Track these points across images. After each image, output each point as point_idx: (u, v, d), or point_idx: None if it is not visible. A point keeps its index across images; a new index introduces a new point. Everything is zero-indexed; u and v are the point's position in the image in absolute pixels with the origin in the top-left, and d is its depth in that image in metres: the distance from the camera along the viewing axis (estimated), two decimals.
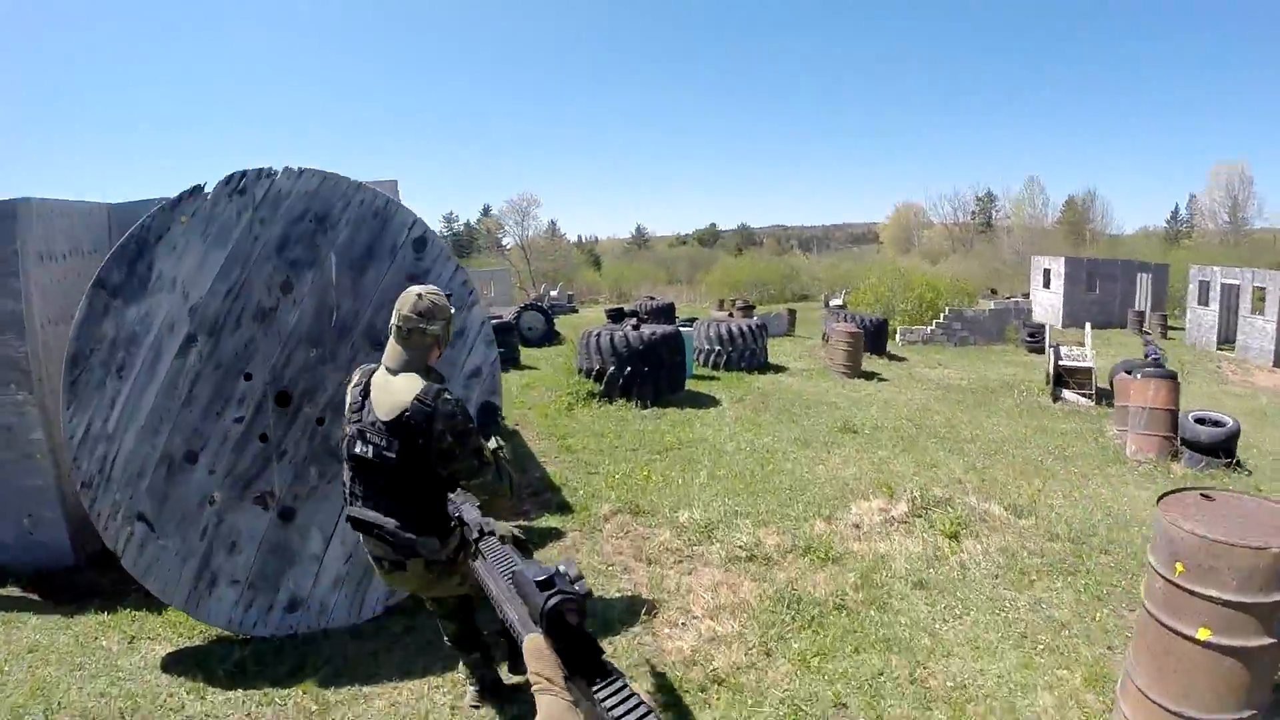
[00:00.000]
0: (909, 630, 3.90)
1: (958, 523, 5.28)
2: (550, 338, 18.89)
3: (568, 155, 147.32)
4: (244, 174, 3.78)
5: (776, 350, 16.61)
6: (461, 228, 69.03)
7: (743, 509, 5.67)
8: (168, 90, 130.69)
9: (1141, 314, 27.84)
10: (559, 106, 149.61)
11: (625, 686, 1.58)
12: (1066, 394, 11.67)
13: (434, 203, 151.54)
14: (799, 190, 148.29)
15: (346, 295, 3.84)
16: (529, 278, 51.29)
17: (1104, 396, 11.69)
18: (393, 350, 2.67)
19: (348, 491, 2.71)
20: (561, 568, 1.74)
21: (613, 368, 10.20)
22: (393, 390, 2.59)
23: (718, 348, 13.83)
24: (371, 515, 2.62)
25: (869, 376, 13.80)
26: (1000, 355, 18.37)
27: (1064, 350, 12.97)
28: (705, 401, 10.70)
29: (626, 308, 26.62)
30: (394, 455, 2.54)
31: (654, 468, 6.96)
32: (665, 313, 24.23)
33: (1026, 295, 32.36)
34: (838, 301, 28.58)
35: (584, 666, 1.64)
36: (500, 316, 17.30)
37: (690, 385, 11.48)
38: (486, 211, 64.27)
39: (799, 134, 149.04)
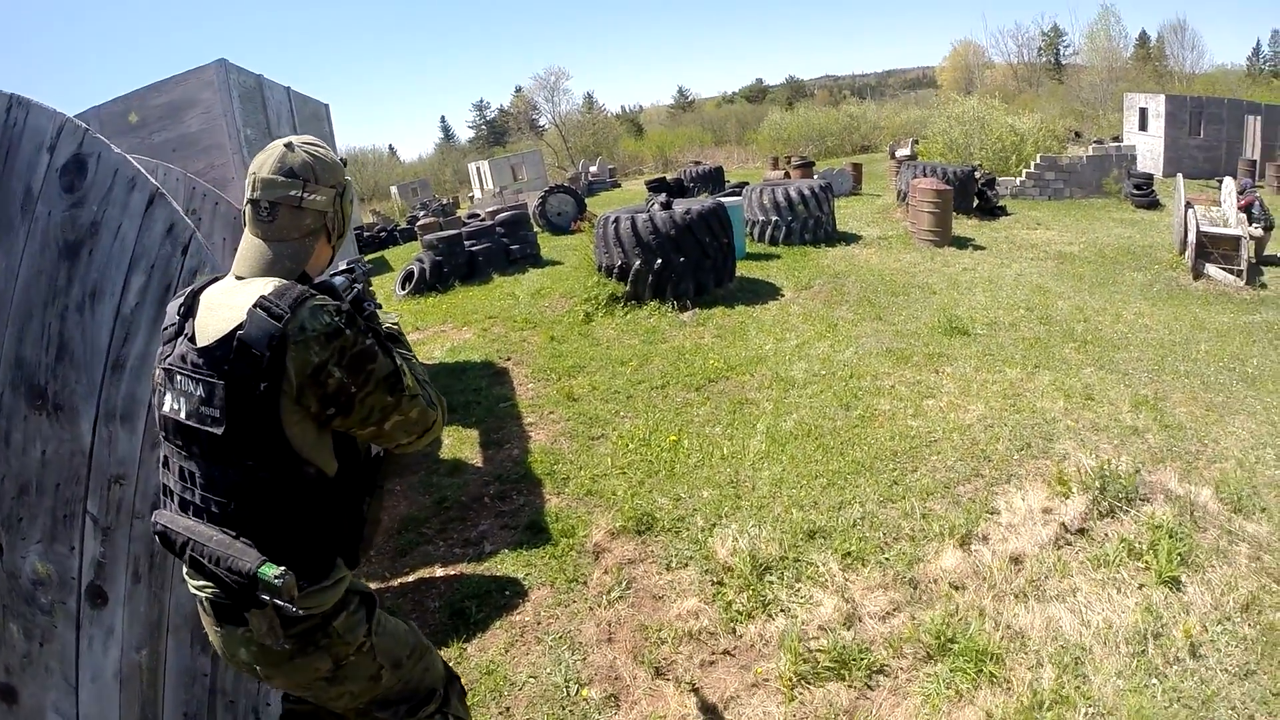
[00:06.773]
0: None
1: (1173, 548, 3.23)
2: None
3: (601, 23, 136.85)
4: None
5: (844, 214, 14.17)
6: (495, 114, 64.56)
7: (821, 521, 3.74)
8: None
9: (1253, 163, 23.96)
10: None
11: None
12: (1211, 269, 9.34)
13: (465, 91, 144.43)
14: (847, 36, 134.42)
15: None
16: (567, 156, 47.76)
17: (1255, 273, 9.38)
18: (247, 245, 1.54)
19: (161, 484, 1.58)
20: None
21: (639, 262, 8.28)
22: (227, 303, 1.46)
23: (774, 218, 11.63)
24: (184, 524, 1.48)
25: (961, 244, 11.44)
26: (1104, 211, 15.30)
27: (1200, 211, 10.38)
28: (762, 292, 8.79)
29: (669, 176, 23.92)
30: (218, 412, 1.40)
31: (688, 420, 5.20)
32: (713, 178, 21.61)
33: (1117, 139, 28.35)
34: (905, 152, 25.20)
35: None
36: (518, 206, 15.29)
37: (743, 268, 9.53)
38: (519, 93, 59.62)
39: None
